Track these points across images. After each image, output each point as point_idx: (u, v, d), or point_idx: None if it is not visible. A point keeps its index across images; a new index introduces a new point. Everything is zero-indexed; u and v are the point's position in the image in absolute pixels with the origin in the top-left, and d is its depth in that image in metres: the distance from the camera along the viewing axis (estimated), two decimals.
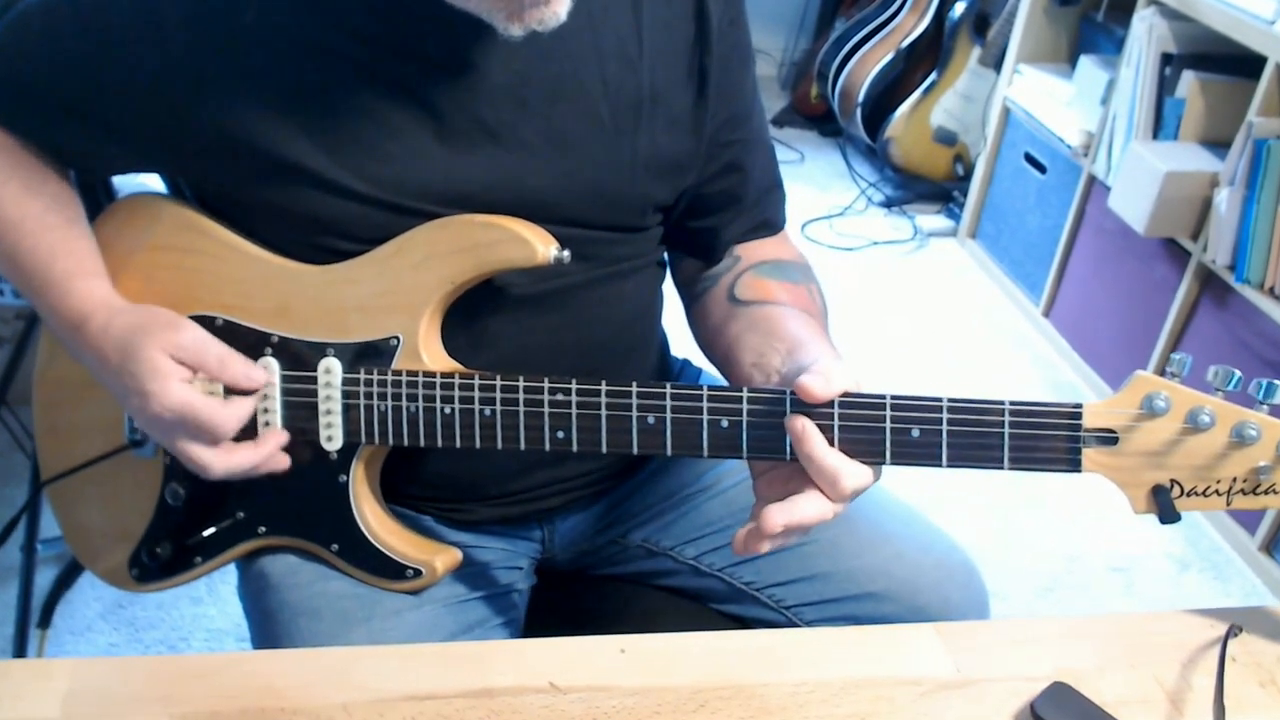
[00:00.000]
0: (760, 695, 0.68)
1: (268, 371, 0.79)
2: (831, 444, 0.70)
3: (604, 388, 0.74)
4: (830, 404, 0.70)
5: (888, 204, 3.01)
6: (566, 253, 0.77)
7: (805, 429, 0.69)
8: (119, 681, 0.66)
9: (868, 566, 0.90)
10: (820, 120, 3.39)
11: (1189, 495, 0.69)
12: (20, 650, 1.44)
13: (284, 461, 0.80)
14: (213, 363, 0.77)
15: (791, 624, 0.92)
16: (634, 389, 0.74)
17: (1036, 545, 1.90)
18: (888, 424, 0.70)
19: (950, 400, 0.69)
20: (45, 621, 1.52)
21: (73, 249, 0.81)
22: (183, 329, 0.77)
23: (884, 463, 0.71)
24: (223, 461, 0.76)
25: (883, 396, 0.70)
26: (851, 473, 0.69)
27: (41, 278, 0.80)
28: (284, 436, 0.80)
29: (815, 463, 0.68)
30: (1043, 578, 1.84)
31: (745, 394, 0.72)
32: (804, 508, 0.68)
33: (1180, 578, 1.88)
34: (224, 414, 0.76)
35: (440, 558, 0.83)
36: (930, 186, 3.01)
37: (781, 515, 0.68)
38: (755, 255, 0.91)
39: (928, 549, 0.92)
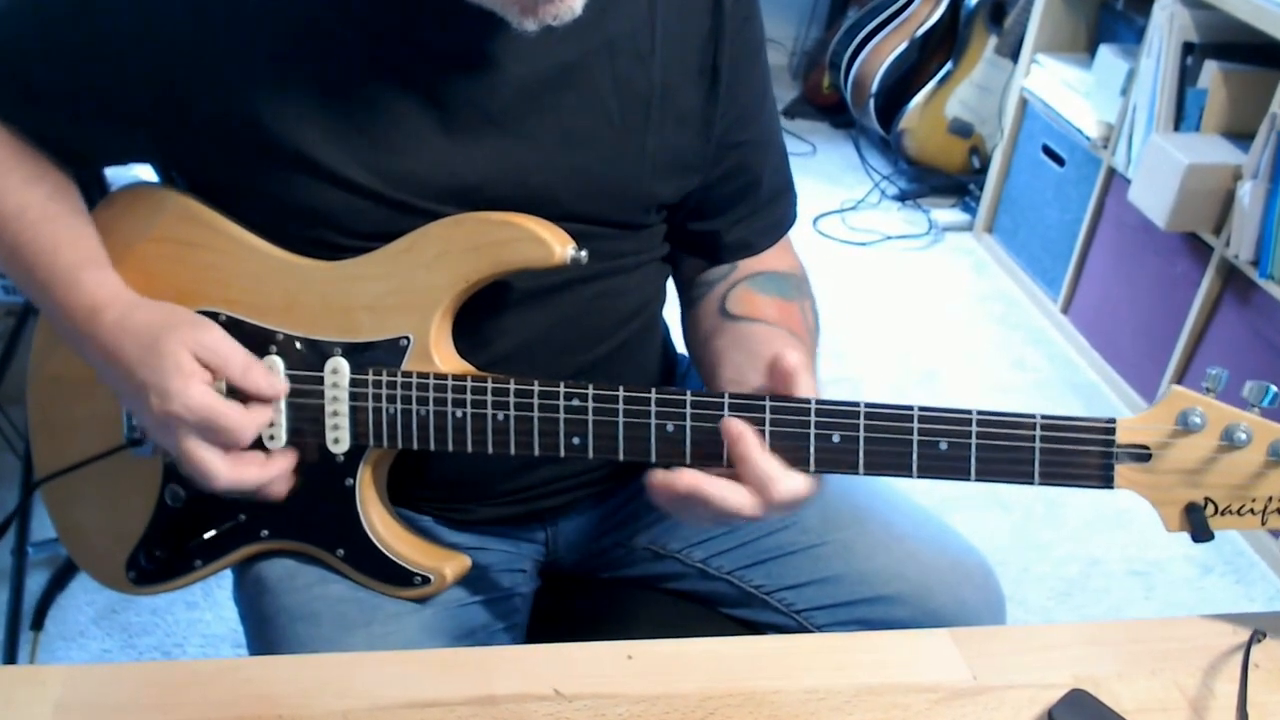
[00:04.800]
0: (771, 702, 0.67)
1: (275, 373, 0.78)
2: (807, 456, 0.69)
3: (622, 393, 0.72)
4: (856, 415, 0.69)
5: (901, 197, 2.98)
6: (584, 253, 0.75)
7: (743, 431, 0.69)
8: (112, 689, 0.65)
9: (880, 569, 0.88)
10: (832, 111, 3.37)
11: (1223, 514, 0.69)
12: (11, 656, 1.43)
13: (284, 489, 0.79)
14: (236, 368, 0.75)
15: (802, 629, 0.90)
16: (653, 395, 0.72)
17: (1055, 549, 1.88)
18: (915, 435, 0.69)
19: (980, 413, 0.68)
20: (38, 623, 1.51)
21: (78, 240, 0.80)
22: (206, 329, 0.76)
23: (911, 475, 0.70)
24: (231, 472, 0.75)
25: (910, 408, 0.69)
26: (784, 479, 0.69)
27: (46, 269, 0.79)
28: (291, 459, 0.78)
29: (749, 465, 0.69)
30: (1061, 582, 1.82)
31: (768, 402, 0.70)
32: (723, 487, 0.69)
33: (1202, 581, 1.85)
34: (245, 419, 0.74)
35: (450, 565, 0.82)
36: (945, 179, 2.98)
37: (697, 479, 0.68)
38: (753, 266, 0.90)
39: (942, 550, 0.90)
